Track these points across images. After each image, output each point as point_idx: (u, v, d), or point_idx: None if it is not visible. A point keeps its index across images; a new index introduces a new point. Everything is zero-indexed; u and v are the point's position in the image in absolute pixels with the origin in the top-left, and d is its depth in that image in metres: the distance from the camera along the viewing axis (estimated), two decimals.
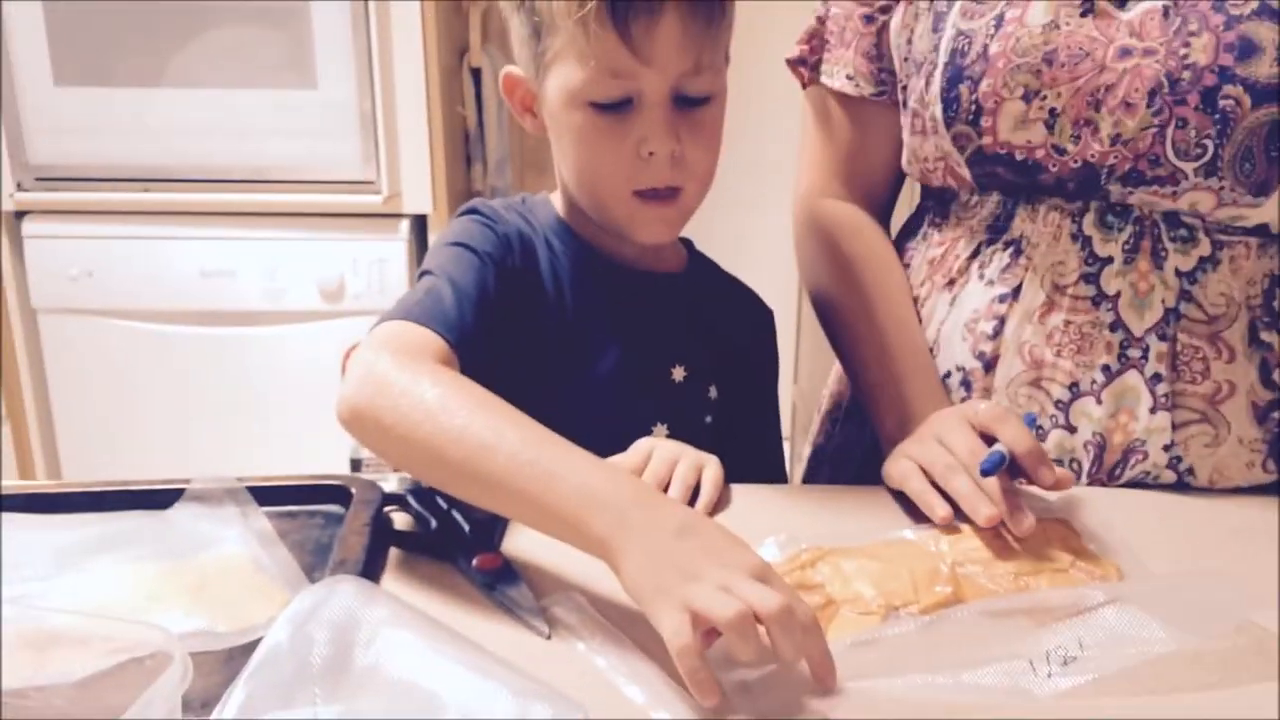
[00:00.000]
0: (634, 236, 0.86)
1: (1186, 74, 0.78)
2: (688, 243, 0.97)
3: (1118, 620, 0.62)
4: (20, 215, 2.04)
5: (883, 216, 1.01)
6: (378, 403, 0.70)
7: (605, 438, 0.80)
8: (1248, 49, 0.77)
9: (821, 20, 0.97)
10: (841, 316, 0.94)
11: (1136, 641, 0.61)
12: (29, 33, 1.93)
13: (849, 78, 0.95)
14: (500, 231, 0.87)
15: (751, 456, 0.92)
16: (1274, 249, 0.82)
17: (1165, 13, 0.79)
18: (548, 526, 0.65)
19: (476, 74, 2.15)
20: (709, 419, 0.92)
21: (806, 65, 0.98)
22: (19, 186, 2.01)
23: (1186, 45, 0.78)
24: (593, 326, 0.88)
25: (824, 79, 0.97)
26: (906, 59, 0.90)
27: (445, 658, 0.56)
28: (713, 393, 0.93)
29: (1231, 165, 0.78)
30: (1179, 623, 0.62)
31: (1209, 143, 0.78)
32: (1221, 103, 0.77)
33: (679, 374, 0.91)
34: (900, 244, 0.98)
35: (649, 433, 0.88)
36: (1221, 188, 0.79)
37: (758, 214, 2.20)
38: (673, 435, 0.89)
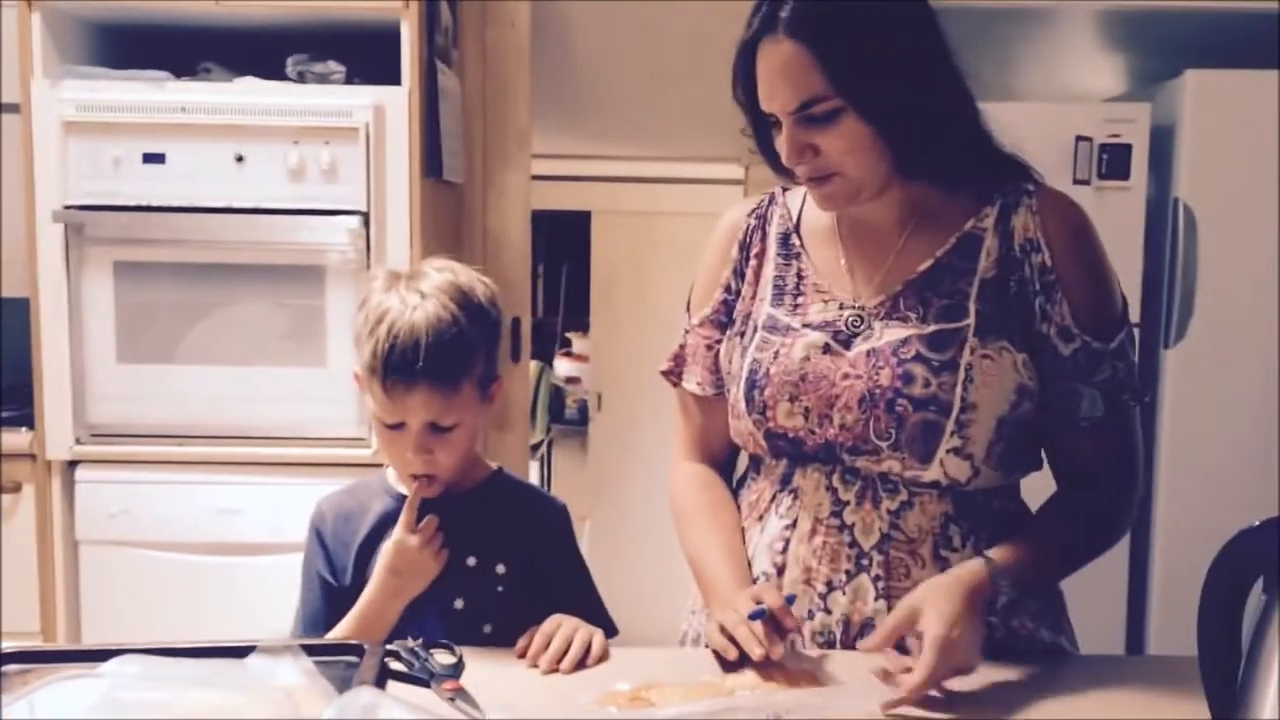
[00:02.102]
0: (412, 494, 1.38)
1: (877, 391, 1.27)
2: (500, 469, 1.49)
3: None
4: (73, 464, 2.52)
5: (726, 472, 1.49)
6: None
7: (422, 610, 1.35)
8: (909, 378, 1.27)
9: (682, 347, 1.48)
10: (689, 537, 1.42)
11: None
12: (101, 320, 2.47)
13: (698, 384, 1.46)
14: (315, 535, 1.45)
15: (551, 610, 1.32)
16: (947, 499, 1.29)
17: (868, 355, 1.29)
18: None
19: None
20: (500, 589, 1.38)
21: (673, 374, 1.50)
22: (77, 440, 2.50)
23: (877, 374, 1.28)
24: None
25: (684, 384, 1.48)
26: (728, 373, 1.41)
27: None
28: (500, 569, 1.39)
29: (907, 445, 1.27)
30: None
31: (892, 431, 1.26)
32: (897, 408, 1.26)
33: (471, 561, 1.39)
34: (736, 489, 1.48)
35: (453, 607, 1.37)
36: (903, 457, 1.27)
37: None
38: (470, 606, 1.37)
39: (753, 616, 1.20)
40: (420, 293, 1.34)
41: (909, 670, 1.15)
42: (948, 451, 1.27)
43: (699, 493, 1.45)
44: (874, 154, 1.24)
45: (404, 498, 1.43)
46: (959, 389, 1.25)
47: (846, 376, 1.29)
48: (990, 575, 1.21)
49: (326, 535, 1.45)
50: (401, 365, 1.30)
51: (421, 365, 1.30)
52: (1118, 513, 1.35)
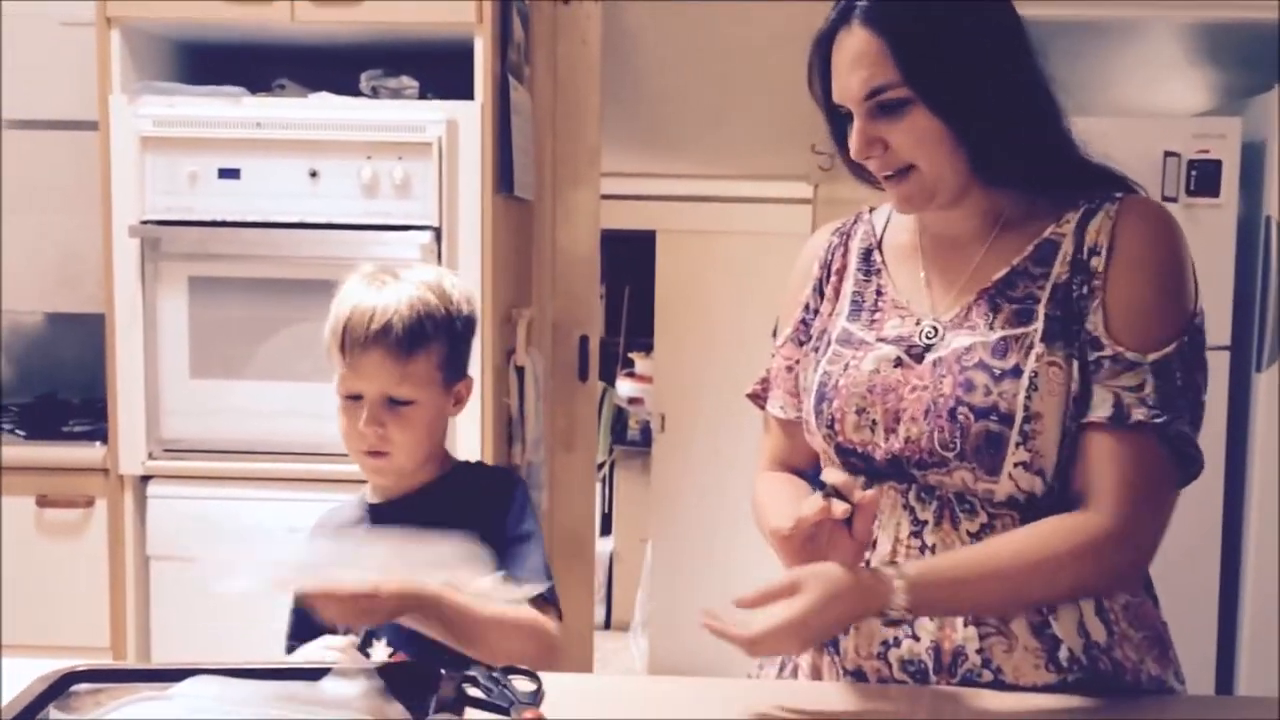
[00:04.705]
0: (369, 478, 1.46)
1: (940, 400, 1.22)
2: (463, 461, 1.54)
3: None
4: (146, 479, 2.53)
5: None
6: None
7: None
8: (970, 386, 1.21)
9: (769, 371, 1.46)
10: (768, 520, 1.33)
11: None
12: (175, 335, 2.48)
13: (781, 407, 1.43)
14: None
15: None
16: (1029, 519, 1.21)
17: (934, 365, 1.25)
18: None
19: (520, 371, 2.67)
20: None
21: (760, 398, 1.48)
22: (150, 455, 2.50)
23: (940, 383, 1.23)
24: None
25: (768, 408, 1.46)
26: (803, 388, 1.37)
27: None
28: None
29: (972, 455, 1.21)
30: None
31: (956, 441, 1.21)
32: (959, 417, 1.21)
33: None
34: None
35: None
36: (972, 468, 1.21)
37: None
38: None
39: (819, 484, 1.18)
40: (393, 274, 1.42)
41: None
42: (1016, 465, 1.21)
43: (780, 485, 1.41)
44: (945, 150, 1.21)
45: (371, 506, 1.47)
46: (1021, 397, 1.20)
47: (914, 389, 1.25)
48: (889, 593, 1.14)
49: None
50: (359, 327, 1.37)
51: (378, 329, 1.36)
52: (1091, 553, 1.18)
